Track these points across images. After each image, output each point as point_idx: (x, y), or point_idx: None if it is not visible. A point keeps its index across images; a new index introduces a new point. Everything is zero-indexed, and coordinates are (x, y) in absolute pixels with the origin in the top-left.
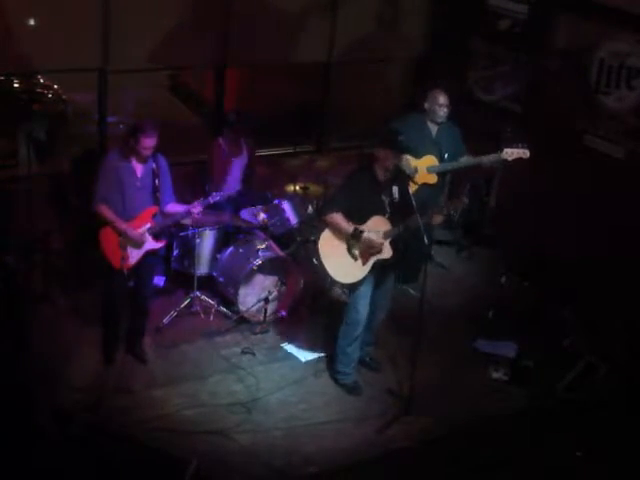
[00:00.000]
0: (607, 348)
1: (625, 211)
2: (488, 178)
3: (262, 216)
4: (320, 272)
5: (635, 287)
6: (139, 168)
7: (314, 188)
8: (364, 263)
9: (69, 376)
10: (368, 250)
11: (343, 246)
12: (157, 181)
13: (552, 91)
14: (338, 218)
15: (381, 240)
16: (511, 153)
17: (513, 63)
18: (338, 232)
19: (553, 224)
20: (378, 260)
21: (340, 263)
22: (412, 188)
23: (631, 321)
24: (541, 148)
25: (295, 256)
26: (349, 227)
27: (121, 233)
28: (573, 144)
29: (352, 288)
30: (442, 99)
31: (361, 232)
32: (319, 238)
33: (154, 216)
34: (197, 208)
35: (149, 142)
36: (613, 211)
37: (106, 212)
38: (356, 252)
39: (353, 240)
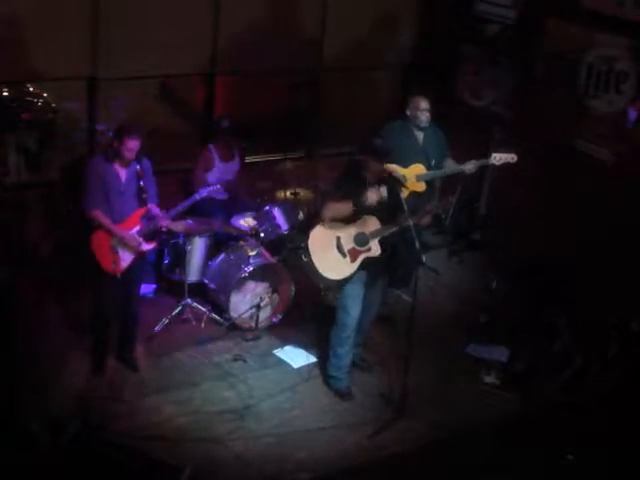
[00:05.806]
0: (599, 350)
1: (615, 215)
2: (478, 183)
3: (253, 223)
4: (309, 268)
5: (626, 288)
6: (123, 172)
7: (304, 194)
8: (353, 260)
9: (61, 384)
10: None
11: (333, 242)
12: (142, 182)
13: (541, 95)
14: (335, 203)
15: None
16: (499, 158)
17: (502, 68)
18: (329, 228)
19: (543, 228)
20: (367, 258)
21: (328, 259)
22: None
23: (623, 322)
24: (531, 152)
25: (286, 262)
26: (348, 203)
27: (119, 239)
28: (563, 148)
29: (342, 288)
30: (423, 104)
31: (363, 201)
32: (309, 235)
33: (142, 218)
34: (165, 220)
35: (133, 144)
36: (603, 214)
37: (102, 218)
38: (345, 249)
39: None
